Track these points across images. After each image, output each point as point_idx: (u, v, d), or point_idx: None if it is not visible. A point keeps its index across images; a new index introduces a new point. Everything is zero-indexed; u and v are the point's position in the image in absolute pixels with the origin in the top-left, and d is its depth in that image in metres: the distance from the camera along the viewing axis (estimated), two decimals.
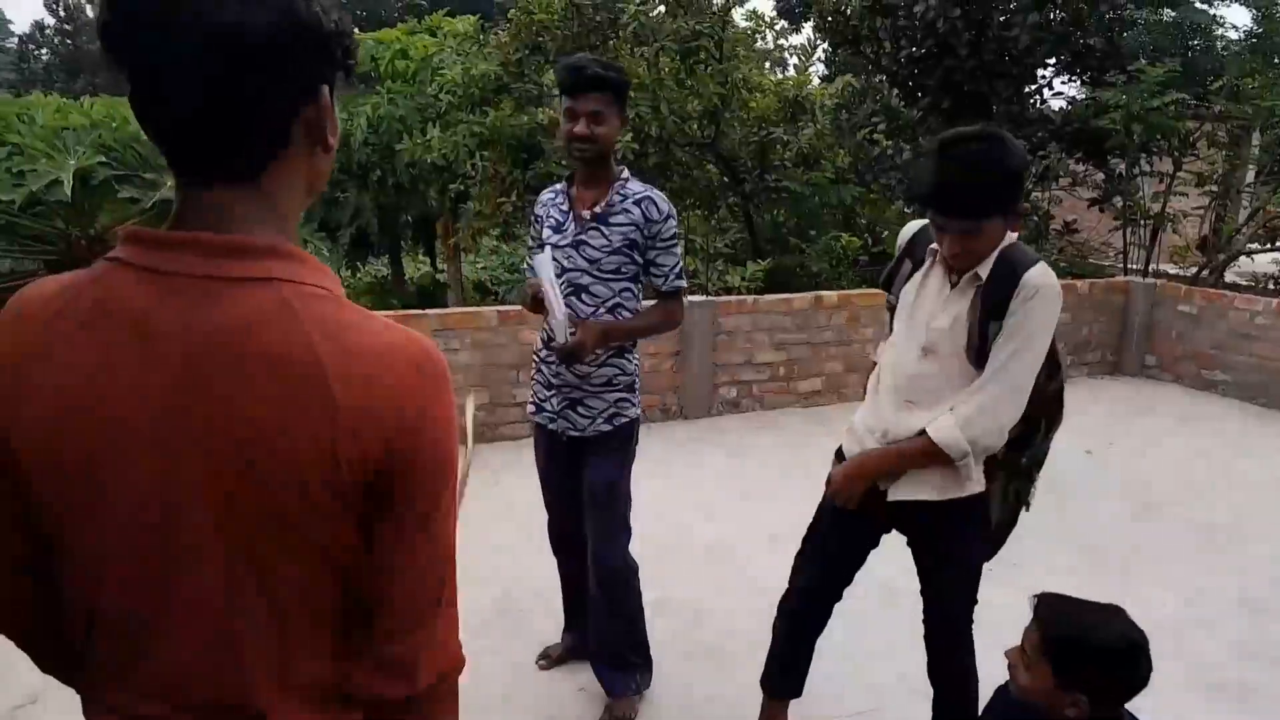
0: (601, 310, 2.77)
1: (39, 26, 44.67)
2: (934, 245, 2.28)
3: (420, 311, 5.89)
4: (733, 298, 7.13)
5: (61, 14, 42.78)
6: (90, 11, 40.00)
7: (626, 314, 2.80)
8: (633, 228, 2.71)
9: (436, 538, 0.99)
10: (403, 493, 0.94)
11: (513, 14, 8.76)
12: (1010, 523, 2.54)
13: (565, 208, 2.81)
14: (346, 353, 0.89)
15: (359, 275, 13.87)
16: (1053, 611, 1.90)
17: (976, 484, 2.32)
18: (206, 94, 0.86)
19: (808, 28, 11.83)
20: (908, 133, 10.54)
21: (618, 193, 2.74)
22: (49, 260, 5.75)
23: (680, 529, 4.67)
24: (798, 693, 2.76)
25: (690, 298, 6.82)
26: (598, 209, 2.73)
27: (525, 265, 3.04)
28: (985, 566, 2.48)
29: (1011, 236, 2.23)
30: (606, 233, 2.73)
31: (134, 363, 0.88)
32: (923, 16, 9.51)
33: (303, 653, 0.97)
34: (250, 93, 0.88)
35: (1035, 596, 1.95)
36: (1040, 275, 2.15)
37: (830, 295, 7.25)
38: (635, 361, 2.93)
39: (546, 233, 2.84)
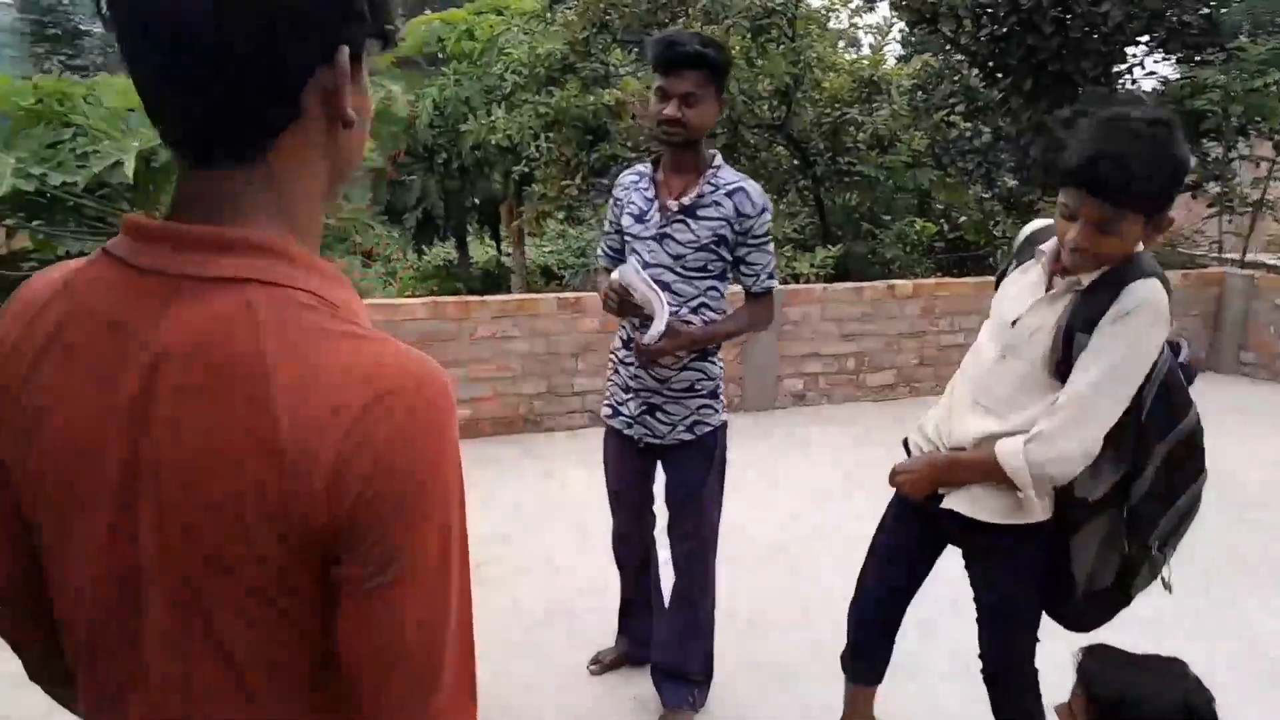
0: (684, 310, 2.58)
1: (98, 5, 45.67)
2: (1044, 245, 2.05)
3: (480, 298, 5.78)
4: (800, 286, 6.89)
5: None
6: None
7: (711, 314, 2.61)
8: (723, 222, 2.50)
9: (408, 614, 0.78)
10: (361, 554, 0.76)
11: None
12: (1117, 597, 2.15)
13: (650, 195, 2.60)
14: (307, 373, 0.75)
15: (425, 259, 13.89)
16: (1101, 670, 1.68)
17: (1039, 514, 2.08)
18: (197, 50, 0.75)
19: (883, 5, 11.45)
20: (987, 114, 10.12)
21: (709, 182, 2.52)
22: None
23: (739, 530, 4.48)
24: (878, 679, 2.56)
25: None
26: (686, 200, 2.52)
27: (599, 254, 2.88)
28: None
29: (1140, 250, 1.92)
30: (694, 227, 2.51)
31: (103, 374, 0.79)
32: None
33: (266, 715, 0.83)
34: (249, 48, 0.75)
35: (1081, 650, 1.72)
36: (1148, 290, 1.85)
37: (904, 284, 6.96)
38: (720, 365, 2.74)
39: (627, 220, 2.64)
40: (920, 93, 9.74)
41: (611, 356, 2.84)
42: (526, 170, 9.25)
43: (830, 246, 8.65)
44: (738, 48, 8.34)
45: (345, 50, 0.81)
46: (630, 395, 2.73)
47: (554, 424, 5.93)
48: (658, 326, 2.49)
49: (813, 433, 6.10)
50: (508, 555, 4.14)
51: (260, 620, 0.79)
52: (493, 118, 8.80)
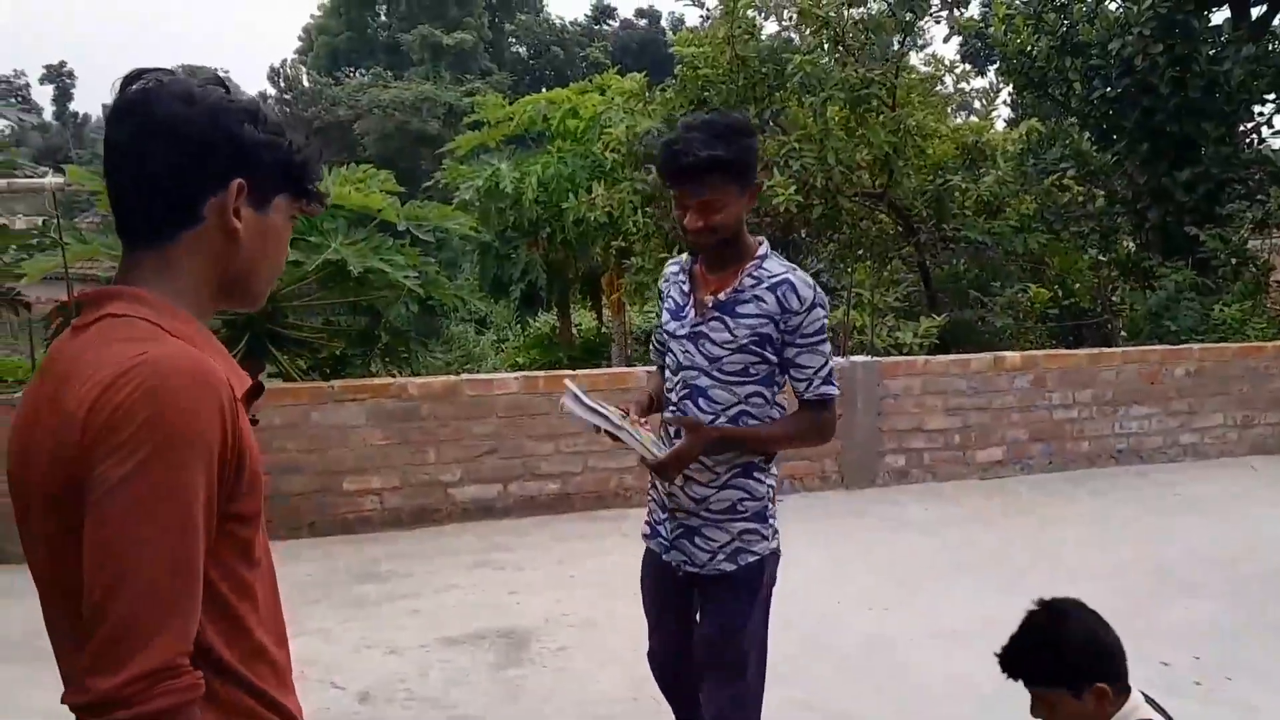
0: (721, 419, 2.29)
1: (262, 96, 49.05)
2: None
3: (570, 372, 5.79)
4: (900, 358, 6.68)
5: (281, 84, 46.75)
6: (306, 81, 43.49)
7: (754, 424, 2.31)
8: (765, 320, 2.22)
9: (104, 533, 0.99)
10: (92, 486, 1.00)
11: (679, 70, 8.72)
12: None
13: (686, 289, 2.36)
14: (97, 361, 1.03)
15: (529, 329, 14.16)
16: (1008, 655, 1.99)
17: None
18: (122, 168, 1.12)
19: (992, 70, 11.25)
20: (1101, 178, 9.76)
21: (750, 275, 2.24)
22: (226, 320, 6.00)
23: (832, 619, 4.27)
24: None
25: (855, 357, 6.43)
26: (723, 295, 2.25)
27: (652, 349, 2.64)
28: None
29: None
30: (731, 325, 2.24)
31: (47, 408, 1.09)
32: (1119, 54, 8.81)
33: (76, 666, 1.04)
34: (156, 171, 1.10)
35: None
36: None
37: (1012, 356, 6.67)
38: (769, 483, 2.38)
39: (665, 316, 2.42)
40: (1030, 157, 9.48)
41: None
42: (625, 244, 9.34)
43: (935, 315, 8.41)
44: (835, 118, 8.29)
45: (238, 182, 1.13)
46: (666, 515, 2.42)
47: (645, 500, 5.83)
48: (644, 450, 2.21)
49: (915, 512, 5.84)
50: (594, 638, 4.04)
51: (59, 563, 1.06)
52: (593, 194, 8.95)
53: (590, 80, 12.75)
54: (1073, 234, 9.56)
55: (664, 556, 2.44)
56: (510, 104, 12.55)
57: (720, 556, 2.34)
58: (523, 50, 48.23)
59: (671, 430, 2.33)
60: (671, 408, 2.36)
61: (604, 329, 14.36)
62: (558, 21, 49.59)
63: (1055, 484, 6.38)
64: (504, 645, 4.03)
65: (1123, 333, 9.46)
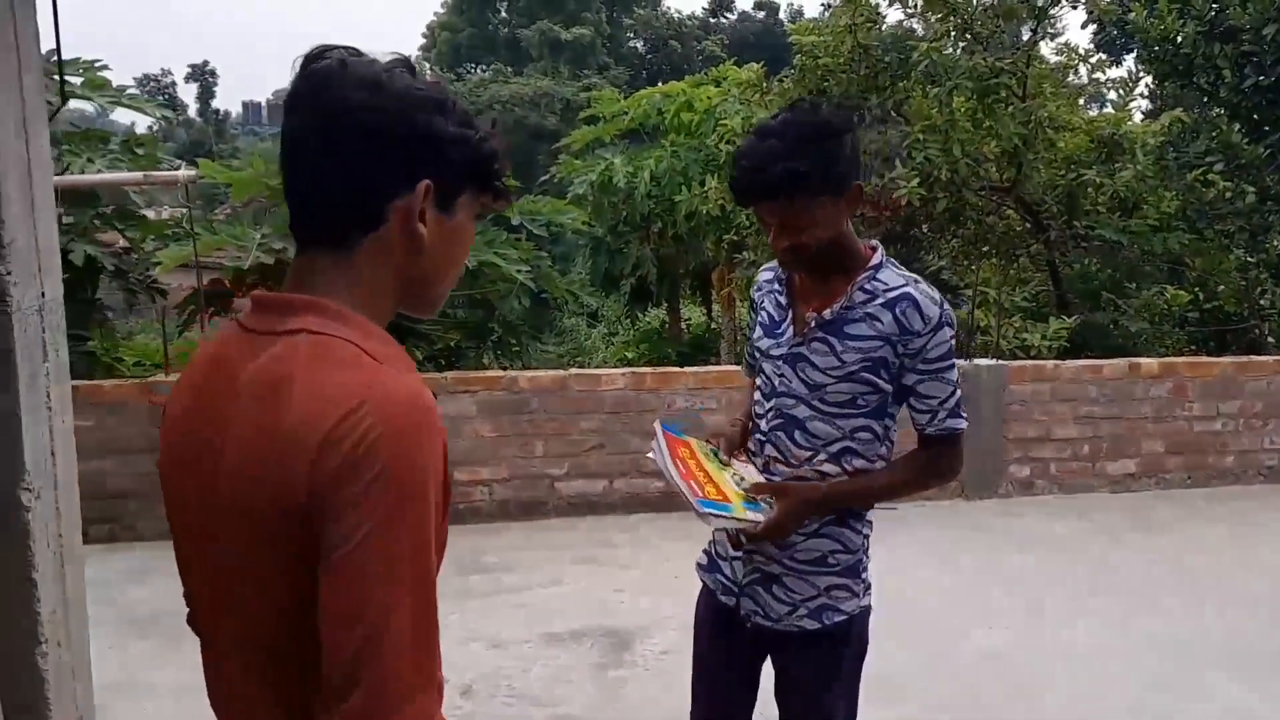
0: (821, 456, 1.93)
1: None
2: None
3: (678, 369, 5.71)
4: (1028, 362, 6.35)
5: None
6: (430, 78, 44.58)
7: (860, 464, 1.94)
8: (880, 343, 1.86)
9: (355, 585, 0.91)
10: (328, 528, 0.92)
11: (798, 60, 8.51)
12: None
13: (783, 300, 1.99)
14: (315, 388, 0.95)
15: (638, 324, 14.14)
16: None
17: None
18: (304, 171, 1.02)
19: (1129, 59, 10.64)
20: (1251, 173, 9.08)
21: (862, 288, 1.88)
22: None
23: (951, 636, 4.06)
24: None
25: (979, 360, 6.14)
26: (828, 313, 1.90)
27: (743, 367, 2.27)
28: None
29: None
30: (838, 349, 1.88)
31: (206, 396, 1.05)
32: (1273, 39, 8.16)
33: (266, 695, 1.03)
34: (341, 173, 1.00)
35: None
36: None
37: (1149, 362, 6.26)
38: (865, 533, 2.02)
39: (757, 332, 2.05)
40: (1171, 150, 8.90)
41: None
42: (737, 239, 9.19)
43: (1065, 317, 7.97)
44: (962, 109, 7.95)
45: (426, 183, 1.02)
46: (739, 555, 2.02)
47: None
48: (724, 528, 1.88)
49: (1040, 526, 5.53)
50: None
51: (258, 598, 0.99)
52: (706, 188, 8.83)
53: (706, 73, 12.62)
54: (1217, 233, 8.92)
55: (725, 600, 2.05)
56: (625, 98, 12.53)
57: (802, 611, 1.97)
58: (640, 45, 48.32)
59: (759, 462, 2.00)
60: (760, 436, 2.00)
61: (713, 325, 14.23)
62: (675, 15, 49.49)
63: (1194, 501, 5.97)
64: (607, 645, 3.98)
65: (1270, 338, 8.80)
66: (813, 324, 1.91)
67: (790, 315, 1.97)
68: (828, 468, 1.93)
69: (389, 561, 0.91)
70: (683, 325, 14.28)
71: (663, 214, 11.53)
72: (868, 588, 2.03)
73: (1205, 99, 9.32)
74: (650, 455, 1.96)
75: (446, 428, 1.00)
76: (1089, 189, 8.27)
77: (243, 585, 1.00)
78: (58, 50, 4.33)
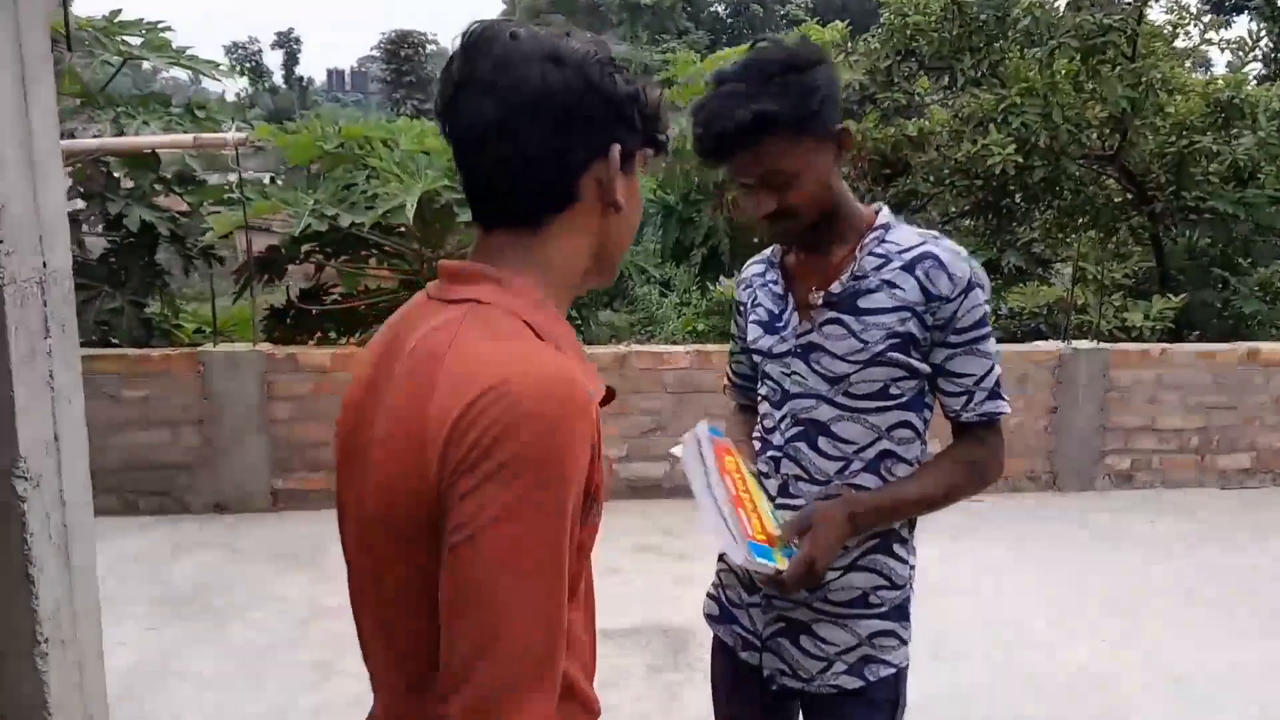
0: (854, 465, 1.59)
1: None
2: None
3: (720, 348, 5.36)
4: (1132, 346, 5.84)
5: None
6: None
7: (904, 470, 1.61)
8: (905, 313, 1.54)
9: (478, 572, 0.85)
10: (453, 512, 0.87)
11: (885, 17, 8.01)
12: None
13: (780, 289, 1.68)
14: (466, 362, 0.90)
15: (707, 296, 13.75)
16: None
17: None
18: (485, 156, 0.96)
19: (1240, 21, 9.82)
20: None
21: (872, 252, 1.57)
22: (405, 280, 5.96)
23: (1037, 649, 3.69)
24: None
25: (1077, 342, 5.66)
26: (836, 287, 1.58)
27: (725, 381, 1.96)
28: None
29: None
30: (857, 328, 1.56)
31: (380, 366, 1.01)
32: None
33: (405, 679, 0.99)
34: (531, 153, 0.95)
35: None
36: None
37: (1270, 347, 5.70)
38: (912, 562, 1.68)
39: (754, 333, 1.71)
40: None
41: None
42: None
43: (1171, 296, 7.37)
44: (1064, 71, 7.37)
45: (617, 148, 0.98)
46: (756, 600, 1.67)
47: None
48: (732, 547, 1.48)
49: (1140, 525, 5.07)
50: None
51: (398, 577, 0.95)
52: None
53: (787, 33, 12.07)
54: None
55: (746, 656, 1.70)
56: (702, 61, 12.08)
57: (839, 667, 1.61)
58: (720, 8, 47.35)
59: (773, 484, 1.64)
60: (773, 453, 1.64)
61: None
62: None
63: None
64: (662, 645, 3.72)
65: None
66: (820, 303, 1.59)
67: (791, 302, 1.65)
68: (865, 479, 1.59)
69: (515, 551, 0.85)
70: None
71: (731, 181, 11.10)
72: (910, 635, 1.67)
73: None
74: (677, 453, 1.63)
75: (599, 415, 0.93)
76: (1201, 157, 7.62)
77: (384, 582, 0.98)
78: (65, 6, 4.18)
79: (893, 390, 1.58)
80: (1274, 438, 5.66)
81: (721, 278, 13.51)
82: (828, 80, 1.51)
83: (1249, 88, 7.90)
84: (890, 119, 8.16)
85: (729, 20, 46.58)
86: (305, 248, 5.70)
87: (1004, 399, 1.61)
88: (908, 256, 1.56)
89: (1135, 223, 8.67)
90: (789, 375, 1.63)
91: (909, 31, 7.75)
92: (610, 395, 1.01)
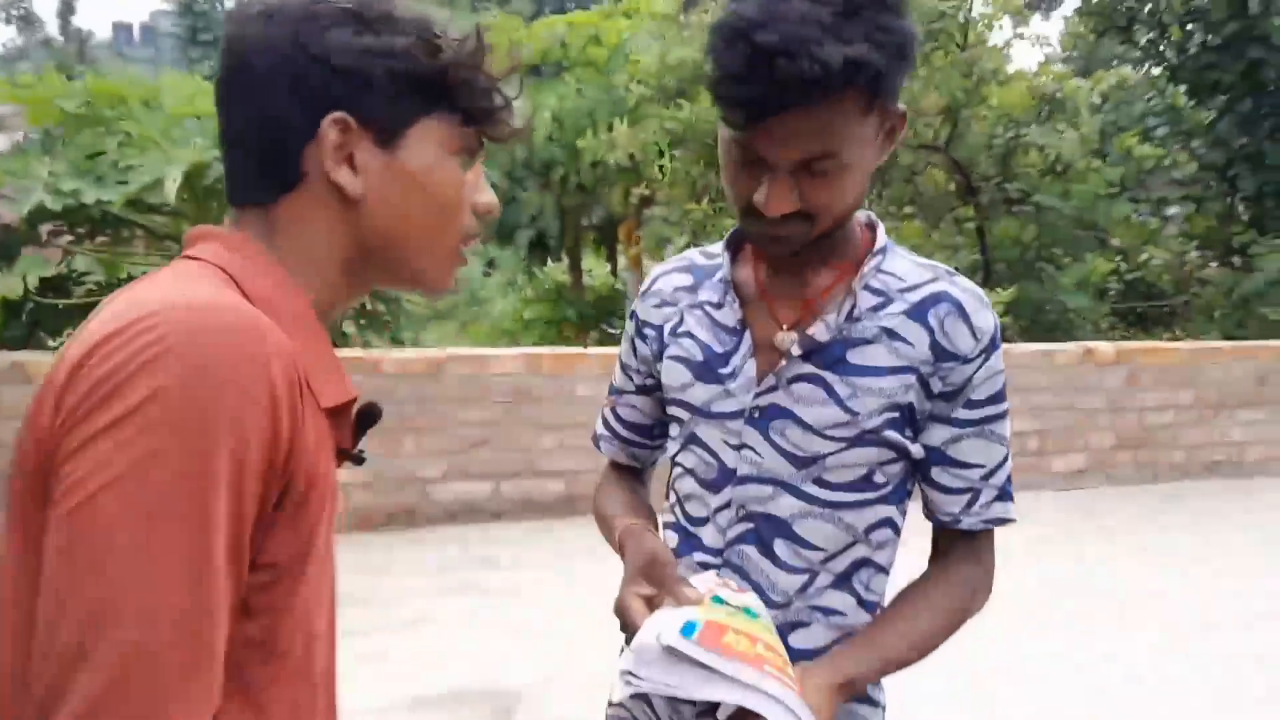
0: (821, 579, 1.14)
1: None
2: None
3: (582, 350, 4.82)
4: None
5: None
6: None
7: (881, 584, 1.19)
8: (909, 375, 1.10)
9: (78, 557, 0.65)
10: (58, 476, 0.68)
11: None
12: None
13: (731, 321, 1.17)
14: (124, 302, 0.73)
15: (534, 281, 13.14)
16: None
17: None
18: (220, 119, 0.85)
19: (1057, 15, 10.06)
20: (1181, 139, 8.64)
21: (870, 285, 1.13)
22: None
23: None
24: None
25: None
26: (820, 332, 1.11)
27: (598, 428, 1.40)
28: None
29: None
30: (842, 391, 1.10)
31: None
32: None
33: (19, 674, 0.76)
34: (245, 116, 0.83)
35: None
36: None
37: (1104, 347, 5.69)
38: (884, 700, 1.22)
39: (674, 372, 1.20)
40: (1112, 112, 8.36)
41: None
42: (648, 192, 8.30)
43: (1000, 290, 7.37)
44: None
45: (334, 119, 0.80)
46: None
47: (663, 505, 4.90)
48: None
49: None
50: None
51: (18, 556, 0.75)
52: (614, 133, 7.89)
53: (617, 2, 11.56)
54: (1151, 202, 8.49)
55: None
56: (526, 28, 11.37)
57: None
58: None
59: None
60: (704, 556, 1.17)
61: (619, 285, 13.35)
62: None
63: (1148, 500, 5.45)
64: (488, 713, 3.13)
65: (1205, 317, 8.43)
66: (794, 351, 1.11)
67: (748, 341, 1.15)
68: (834, 599, 1.15)
69: (142, 527, 0.64)
70: (585, 282, 13.37)
71: (565, 160, 10.49)
72: None
73: (1147, 58, 8.81)
74: (629, 675, 0.96)
75: (300, 378, 0.72)
76: (1031, 150, 7.66)
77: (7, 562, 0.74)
78: None
79: (877, 478, 1.13)
80: (1107, 437, 5.65)
81: (550, 261, 12.97)
82: (914, 34, 1.01)
83: (1070, 82, 8.01)
84: None
85: None
86: (47, 227, 4.69)
87: (1013, 499, 1.17)
88: (914, 297, 1.12)
89: (960, 214, 8.71)
90: (737, 449, 1.15)
91: None
92: (370, 414, 0.85)
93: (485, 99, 0.85)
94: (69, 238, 4.95)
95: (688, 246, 10.06)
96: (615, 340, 11.98)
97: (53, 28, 56.28)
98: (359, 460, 0.85)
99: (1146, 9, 8.26)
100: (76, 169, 4.18)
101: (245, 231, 0.83)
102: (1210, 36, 7.92)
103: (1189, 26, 8.21)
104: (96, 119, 4.40)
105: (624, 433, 1.35)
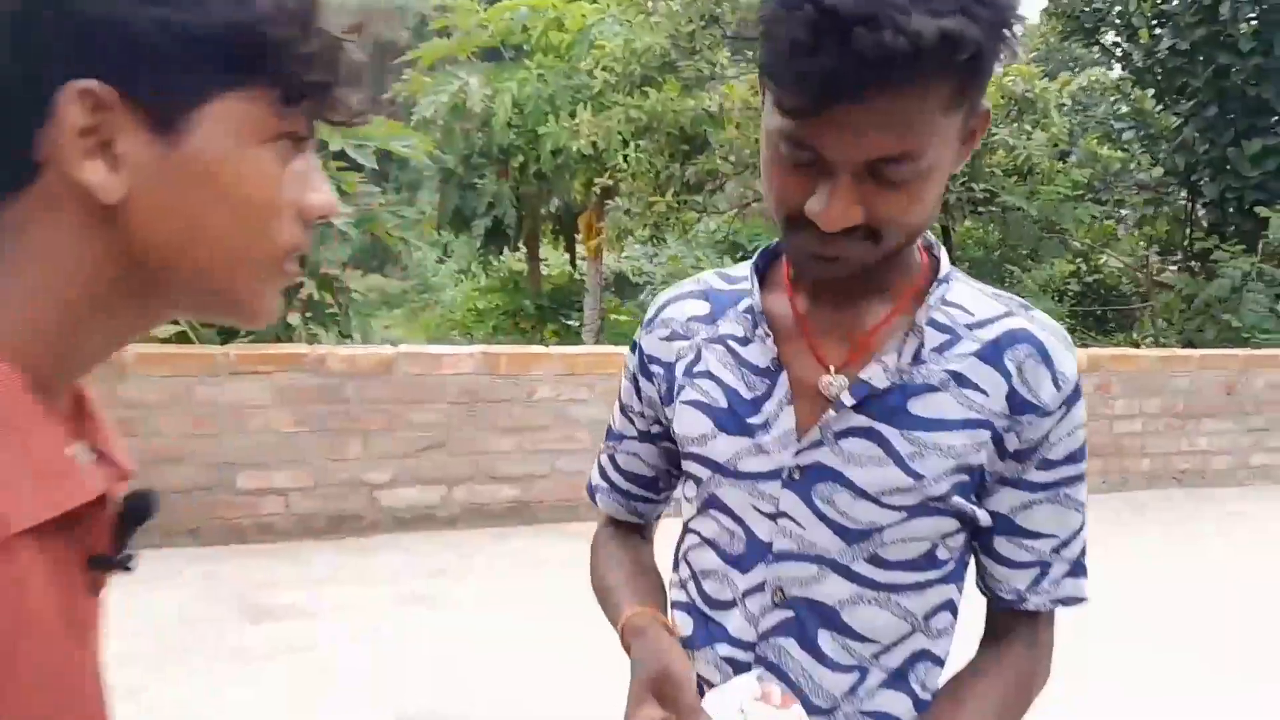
0: (874, 677, 0.94)
1: None
2: None
3: (543, 349, 4.59)
4: None
5: None
6: None
7: (936, 679, 0.98)
8: (983, 430, 0.90)
9: None
10: None
11: None
12: None
13: (763, 359, 0.95)
14: None
15: (490, 270, 12.86)
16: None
17: None
18: None
19: (1029, 14, 10.04)
20: (1146, 143, 8.63)
21: (935, 320, 0.92)
22: None
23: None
24: None
25: None
26: (877, 376, 0.90)
27: (593, 478, 1.18)
28: None
29: None
30: (906, 448, 0.90)
31: None
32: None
33: None
34: None
35: None
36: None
37: (1078, 354, 5.57)
38: None
39: (689, 419, 0.98)
40: (1080, 114, 8.31)
41: None
42: (610, 182, 8.08)
43: None
44: None
45: (78, 89, 0.56)
46: None
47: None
48: None
49: None
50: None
51: None
52: (577, 120, 7.64)
53: None
54: (1116, 204, 8.46)
55: None
56: (486, 9, 11.05)
57: None
58: None
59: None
60: (731, 651, 0.96)
61: (578, 275, 13.11)
62: None
63: (1115, 508, 5.37)
64: None
65: (1162, 320, 8.43)
66: (844, 399, 0.90)
67: (784, 384, 0.94)
68: (888, 701, 0.94)
69: None
70: (542, 273, 13.11)
71: (525, 147, 10.22)
72: None
73: (1117, 60, 8.78)
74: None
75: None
76: (999, 150, 7.57)
77: None
78: None
79: (939, 553, 0.93)
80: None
81: (506, 250, 12.67)
82: (1019, 13, 0.80)
83: (1039, 83, 7.94)
84: (691, 90, 7.58)
85: None
86: None
87: (1087, 574, 1.00)
88: (987, 335, 0.91)
89: None
90: (772, 518, 0.94)
91: None
92: (136, 514, 0.63)
93: (314, 67, 0.61)
94: None
95: (651, 240, 9.91)
96: (574, 334, 11.75)
97: None
98: (122, 567, 0.63)
99: (1115, 10, 8.18)
100: None
101: None
102: (1179, 41, 7.87)
103: (1158, 30, 8.16)
104: None
105: (625, 485, 1.13)
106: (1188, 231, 8.84)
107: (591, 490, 1.18)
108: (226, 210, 0.61)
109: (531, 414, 4.44)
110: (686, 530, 1.03)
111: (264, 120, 0.60)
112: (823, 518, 0.92)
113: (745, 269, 1.01)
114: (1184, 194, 8.53)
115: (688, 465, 1.01)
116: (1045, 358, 0.90)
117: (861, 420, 0.90)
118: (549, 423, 4.48)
